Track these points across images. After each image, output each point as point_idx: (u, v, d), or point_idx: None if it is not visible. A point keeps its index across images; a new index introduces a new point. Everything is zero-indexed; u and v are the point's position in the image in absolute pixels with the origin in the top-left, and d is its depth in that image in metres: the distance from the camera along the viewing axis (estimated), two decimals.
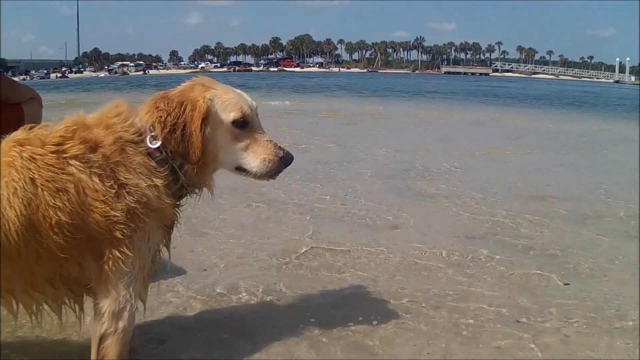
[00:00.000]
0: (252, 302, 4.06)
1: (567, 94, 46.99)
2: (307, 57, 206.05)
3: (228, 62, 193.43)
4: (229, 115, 2.80)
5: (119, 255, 2.56)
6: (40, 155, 2.50)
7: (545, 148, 12.60)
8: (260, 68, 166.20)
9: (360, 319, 3.74)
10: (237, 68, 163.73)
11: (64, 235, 2.46)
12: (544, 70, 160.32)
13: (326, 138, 13.04)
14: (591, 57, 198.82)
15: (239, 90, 2.94)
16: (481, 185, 8.23)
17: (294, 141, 11.78)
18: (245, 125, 2.83)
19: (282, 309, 3.96)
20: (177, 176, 2.78)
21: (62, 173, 2.49)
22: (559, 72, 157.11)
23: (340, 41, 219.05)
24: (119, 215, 2.53)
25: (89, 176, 2.51)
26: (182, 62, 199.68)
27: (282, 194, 7.29)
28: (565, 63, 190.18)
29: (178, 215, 2.93)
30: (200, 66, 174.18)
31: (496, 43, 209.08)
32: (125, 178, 2.57)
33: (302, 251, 5.14)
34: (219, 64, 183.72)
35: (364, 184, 8.26)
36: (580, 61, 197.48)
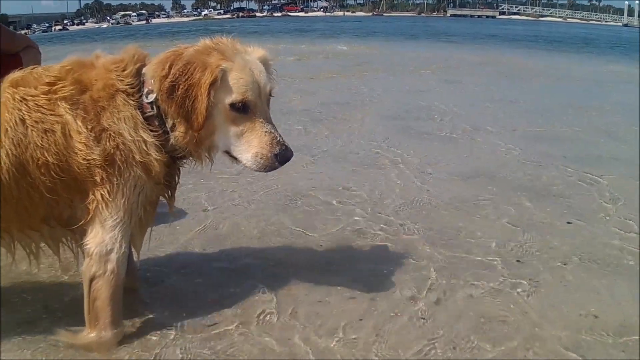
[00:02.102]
0: (251, 239, 4.09)
1: (574, 35, 46.14)
2: (311, 1, 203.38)
3: (231, 8, 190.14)
4: (230, 95, 2.56)
5: (100, 198, 2.57)
6: (32, 96, 2.52)
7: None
8: (264, 14, 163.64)
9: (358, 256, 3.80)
10: (240, 14, 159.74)
11: (50, 177, 2.51)
12: (551, 12, 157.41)
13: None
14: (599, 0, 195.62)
15: (260, 68, 2.67)
16: (486, 127, 8.16)
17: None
18: (245, 110, 2.59)
19: (282, 246, 4.00)
20: (169, 137, 2.66)
21: (51, 114, 2.50)
22: (567, 14, 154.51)
23: None
24: (97, 158, 2.52)
25: (74, 118, 2.51)
26: (185, 10, 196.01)
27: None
28: (573, 5, 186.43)
29: (177, 173, 2.91)
30: (203, 13, 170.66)
31: None
32: (108, 124, 2.54)
33: (305, 192, 5.14)
34: (222, 11, 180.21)
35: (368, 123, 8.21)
36: (589, 3, 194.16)
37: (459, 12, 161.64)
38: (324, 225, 4.37)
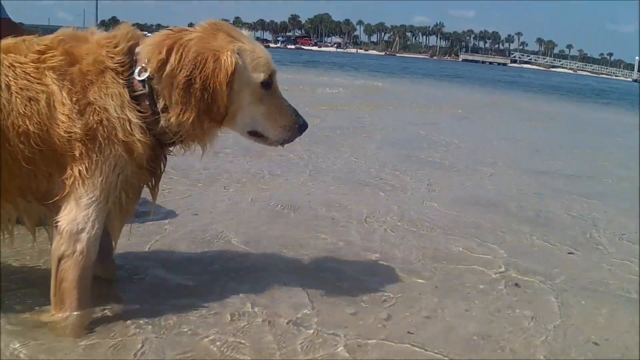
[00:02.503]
0: (238, 244, 3.93)
1: (587, 87, 46.45)
2: (325, 36, 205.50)
3: None
4: (259, 75, 2.60)
5: (78, 174, 2.46)
6: (20, 63, 2.44)
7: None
8: (278, 45, 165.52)
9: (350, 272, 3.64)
10: None
11: (30, 146, 2.41)
12: (562, 64, 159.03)
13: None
14: (610, 54, 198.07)
15: (259, 43, 2.76)
16: (488, 159, 8.07)
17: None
18: (269, 87, 2.67)
19: (269, 253, 3.83)
20: (158, 118, 2.58)
21: (37, 83, 2.42)
22: (578, 67, 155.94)
23: (360, 22, 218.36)
24: (78, 132, 2.42)
25: (60, 89, 2.43)
26: None
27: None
28: (584, 58, 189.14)
29: (163, 160, 2.80)
30: None
31: (516, 33, 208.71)
32: (94, 98, 2.45)
33: (298, 204, 4.99)
34: None
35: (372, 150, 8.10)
36: (599, 57, 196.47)
37: (470, 57, 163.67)
38: (314, 236, 4.22)
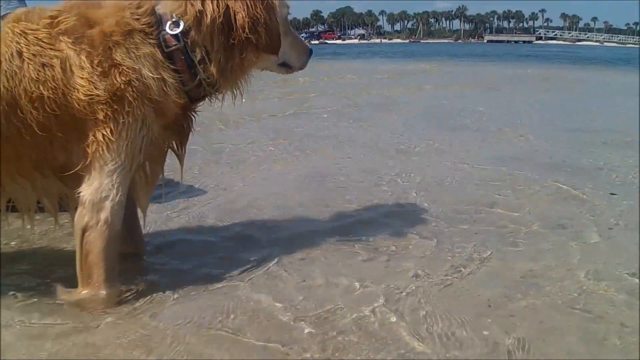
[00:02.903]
0: (267, 213, 3.86)
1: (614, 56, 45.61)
2: (348, 29, 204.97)
3: None
4: (285, 10, 2.77)
5: (101, 139, 2.39)
6: (32, 30, 2.38)
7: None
8: None
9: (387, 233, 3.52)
10: None
11: (44, 111, 2.34)
12: (588, 37, 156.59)
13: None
14: (636, 23, 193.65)
15: None
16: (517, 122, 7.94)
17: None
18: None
19: (302, 220, 3.75)
20: (195, 71, 2.56)
21: (50, 48, 2.36)
22: (604, 38, 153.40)
23: (382, 12, 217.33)
24: (101, 94, 2.34)
25: (77, 53, 2.35)
26: None
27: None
28: (610, 29, 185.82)
29: (192, 118, 2.75)
30: None
31: (539, 11, 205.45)
32: (121, 59, 2.38)
33: (329, 172, 4.93)
34: None
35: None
36: (626, 27, 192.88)
37: (495, 38, 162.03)
38: (347, 200, 4.15)
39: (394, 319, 2.43)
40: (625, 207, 3.97)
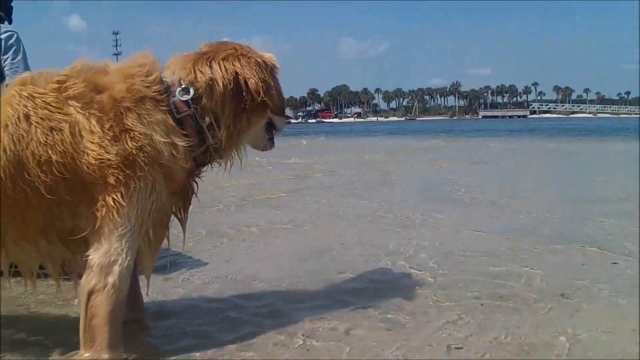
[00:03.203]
0: (270, 289, 3.81)
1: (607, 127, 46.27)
2: (345, 107, 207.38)
3: None
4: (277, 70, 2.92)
5: (112, 203, 2.40)
6: (40, 94, 2.43)
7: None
8: (299, 120, 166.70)
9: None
10: None
11: (52, 175, 2.35)
12: (581, 108, 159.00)
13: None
14: (628, 93, 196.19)
15: None
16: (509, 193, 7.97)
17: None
18: None
19: (302, 294, 3.70)
20: (204, 137, 2.65)
21: (59, 112, 2.40)
22: (597, 109, 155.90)
23: (377, 90, 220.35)
24: (112, 159, 2.38)
25: (87, 118, 2.40)
26: None
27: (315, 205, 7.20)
28: (603, 100, 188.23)
29: (195, 184, 2.80)
30: None
31: (532, 84, 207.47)
32: (132, 124, 2.43)
33: (329, 246, 4.93)
34: None
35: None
36: (618, 97, 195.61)
37: (490, 114, 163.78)
38: (346, 272, 4.11)
39: None
40: (628, 275, 3.94)
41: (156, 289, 3.53)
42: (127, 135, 2.42)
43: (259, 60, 2.74)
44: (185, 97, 2.58)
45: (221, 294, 3.66)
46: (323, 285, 3.81)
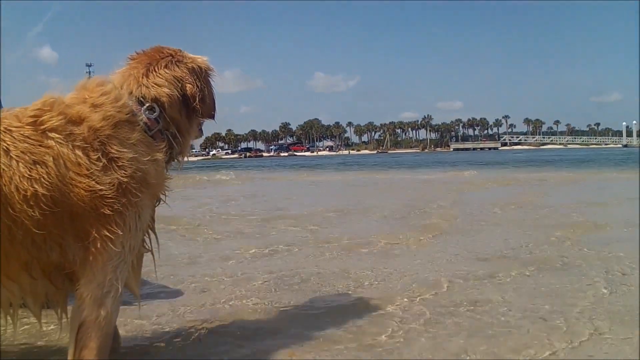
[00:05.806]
0: (251, 312, 3.81)
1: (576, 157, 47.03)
2: (317, 140, 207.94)
3: (239, 148, 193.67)
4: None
5: (107, 234, 2.36)
6: (16, 127, 2.35)
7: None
8: (271, 153, 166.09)
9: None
10: (248, 154, 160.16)
11: (40, 209, 2.26)
12: (552, 140, 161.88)
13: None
14: (597, 124, 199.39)
15: None
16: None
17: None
18: None
19: (283, 317, 3.72)
20: (172, 145, 2.76)
21: (40, 145, 2.32)
22: (567, 141, 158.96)
23: (349, 124, 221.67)
24: (106, 189, 2.34)
25: (71, 149, 2.35)
26: (193, 150, 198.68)
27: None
28: (573, 132, 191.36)
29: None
30: (211, 153, 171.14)
31: (503, 117, 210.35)
32: (117, 151, 2.42)
33: (306, 274, 4.91)
34: (229, 151, 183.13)
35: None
36: (587, 129, 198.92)
37: (461, 146, 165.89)
38: (325, 300, 4.10)
39: None
40: (612, 302, 3.89)
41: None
42: (115, 165, 2.41)
43: (194, 66, 2.86)
44: (154, 115, 2.67)
45: (195, 323, 3.59)
46: (298, 316, 3.77)
